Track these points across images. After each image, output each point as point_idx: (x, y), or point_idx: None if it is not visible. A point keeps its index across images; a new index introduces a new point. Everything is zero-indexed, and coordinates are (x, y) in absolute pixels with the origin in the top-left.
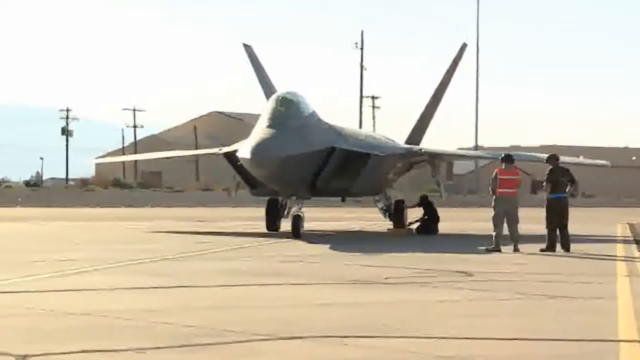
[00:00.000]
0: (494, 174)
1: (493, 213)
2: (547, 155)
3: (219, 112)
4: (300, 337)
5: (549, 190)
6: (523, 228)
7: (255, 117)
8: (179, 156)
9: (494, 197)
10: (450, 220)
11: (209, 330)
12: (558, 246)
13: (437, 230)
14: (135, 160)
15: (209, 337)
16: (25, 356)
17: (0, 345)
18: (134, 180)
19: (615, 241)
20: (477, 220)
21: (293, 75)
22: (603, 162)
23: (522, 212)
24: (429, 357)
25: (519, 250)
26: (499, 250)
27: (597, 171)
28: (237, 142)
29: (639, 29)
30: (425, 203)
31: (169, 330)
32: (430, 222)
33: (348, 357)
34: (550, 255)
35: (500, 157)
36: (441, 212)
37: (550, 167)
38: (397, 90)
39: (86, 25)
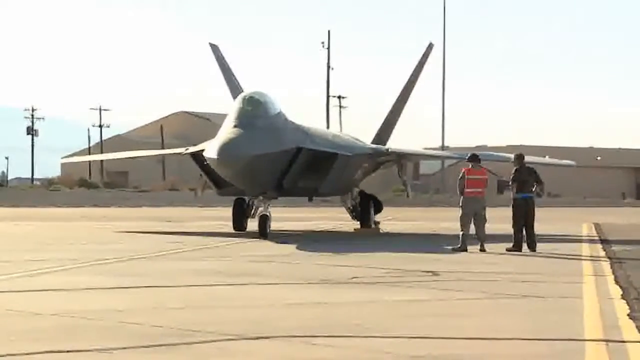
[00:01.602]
0: (461, 173)
1: (460, 213)
2: (514, 155)
3: (186, 112)
4: (271, 337)
5: (515, 190)
6: (490, 227)
7: (222, 117)
8: (145, 156)
9: (462, 197)
10: (417, 220)
11: (177, 330)
12: (524, 246)
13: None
14: (102, 160)
15: (178, 337)
16: None
17: None
18: (101, 180)
19: (581, 241)
20: (444, 219)
21: (260, 75)
22: (569, 162)
23: (489, 212)
24: (400, 356)
25: (485, 250)
26: (466, 250)
27: (563, 171)
28: (204, 141)
29: (604, 31)
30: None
31: (137, 331)
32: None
33: (318, 357)
34: (517, 254)
35: (466, 157)
36: (408, 211)
37: (517, 166)
38: (364, 90)
39: (51, 23)
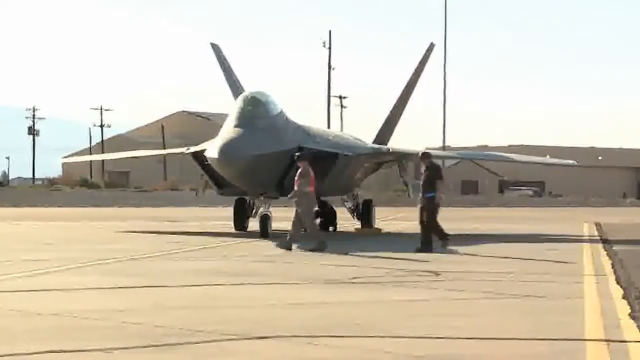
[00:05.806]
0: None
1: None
2: (420, 153)
3: (187, 112)
4: (271, 337)
5: (426, 190)
6: (485, 227)
7: (224, 117)
8: (146, 156)
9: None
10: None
11: (178, 330)
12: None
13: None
14: (103, 160)
15: (179, 337)
16: None
17: None
18: (101, 180)
19: (582, 240)
20: (444, 219)
21: (261, 75)
22: (570, 161)
23: (488, 212)
24: (400, 356)
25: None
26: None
27: (564, 171)
28: (205, 141)
29: (605, 30)
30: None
31: (138, 331)
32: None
33: (319, 357)
34: (517, 254)
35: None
36: (408, 211)
37: (427, 165)
38: (365, 90)
39: (52, 23)
